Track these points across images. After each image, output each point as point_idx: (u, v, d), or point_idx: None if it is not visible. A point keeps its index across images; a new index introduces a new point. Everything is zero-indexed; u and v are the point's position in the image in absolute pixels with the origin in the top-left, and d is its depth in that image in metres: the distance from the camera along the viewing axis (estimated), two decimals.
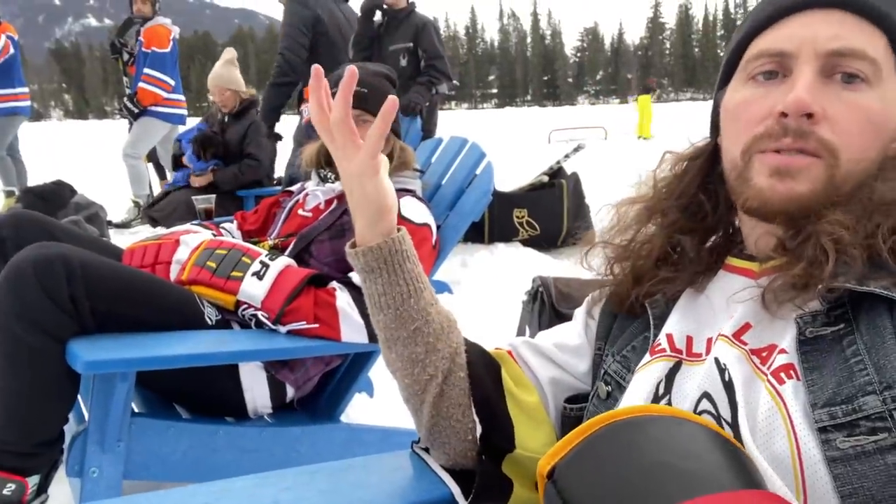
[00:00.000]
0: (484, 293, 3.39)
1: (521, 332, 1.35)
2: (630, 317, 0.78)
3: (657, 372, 0.67)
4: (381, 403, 2.18)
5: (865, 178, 0.63)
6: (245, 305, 1.50)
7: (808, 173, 0.63)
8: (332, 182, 1.81)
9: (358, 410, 2.09)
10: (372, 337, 1.51)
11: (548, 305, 1.28)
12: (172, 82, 5.34)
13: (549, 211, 4.41)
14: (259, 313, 1.49)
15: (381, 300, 0.74)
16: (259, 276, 1.49)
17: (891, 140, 0.65)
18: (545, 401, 0.79)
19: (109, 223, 4.72)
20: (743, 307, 0.65)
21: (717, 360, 0.63)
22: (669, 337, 0.70)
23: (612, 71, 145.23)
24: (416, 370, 0.75)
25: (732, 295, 0.66)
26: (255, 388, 1.58)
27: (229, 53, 4.60)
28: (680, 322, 0.71)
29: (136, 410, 1.51)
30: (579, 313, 0.85)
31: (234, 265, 1.52)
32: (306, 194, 1.85)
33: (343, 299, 1.51)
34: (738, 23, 0.76)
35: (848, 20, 0.65)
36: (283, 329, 1.49)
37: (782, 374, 0.59)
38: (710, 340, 0.67)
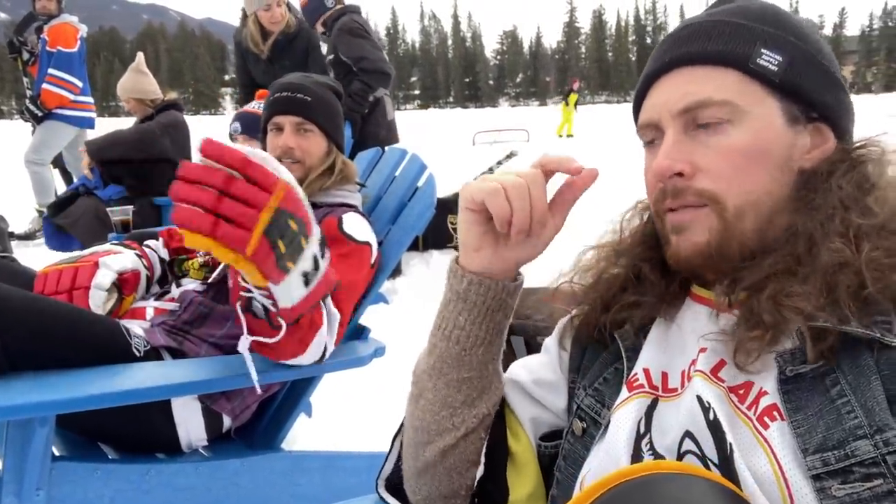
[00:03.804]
0: (420, 302, 3.35)
1: None
2: (600, 347, 0.77)
3: (636, 410, 0.67)
4: (321, 425, 2.10)
5: (774, 203, 0.65)
6: (265, 294, 1.16)
7: (698, 224, 0.66)
8: None
9: (296, 433, 2.00)
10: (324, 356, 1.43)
11: None
12: (80, 84, 5.03)
13: None
14: (274, 315, 1.18)
15: (453, 332, 0.70)
16: (307, 280, 1.15)
17: (785, 158, 0.65)
18: (531, 442, 0.77)
19: (11, 235, 4.40)
20: (716, 342, 0.64)
21: (699, 398, 0.62)
22: (647, 372, 0.69)
23: (532, 74, 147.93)
24: (444, 413, 0.72)
25: (704, 335, 0.66)
26: (189, 421, 1.48)
27: (137, 59, 4.37)
28: (655, 356, 0.70)
29: (57, 454, 1.38)
30: (551, 345, 0.82)
31: (295, 248, 1.09)
32: None
33: (324, 318, 1.31)
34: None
35: (694, 73, 0.68)
36: (246, 341, 1.21)
37: (766, 418, 0.58)
38: (684, 373, 0.66)
